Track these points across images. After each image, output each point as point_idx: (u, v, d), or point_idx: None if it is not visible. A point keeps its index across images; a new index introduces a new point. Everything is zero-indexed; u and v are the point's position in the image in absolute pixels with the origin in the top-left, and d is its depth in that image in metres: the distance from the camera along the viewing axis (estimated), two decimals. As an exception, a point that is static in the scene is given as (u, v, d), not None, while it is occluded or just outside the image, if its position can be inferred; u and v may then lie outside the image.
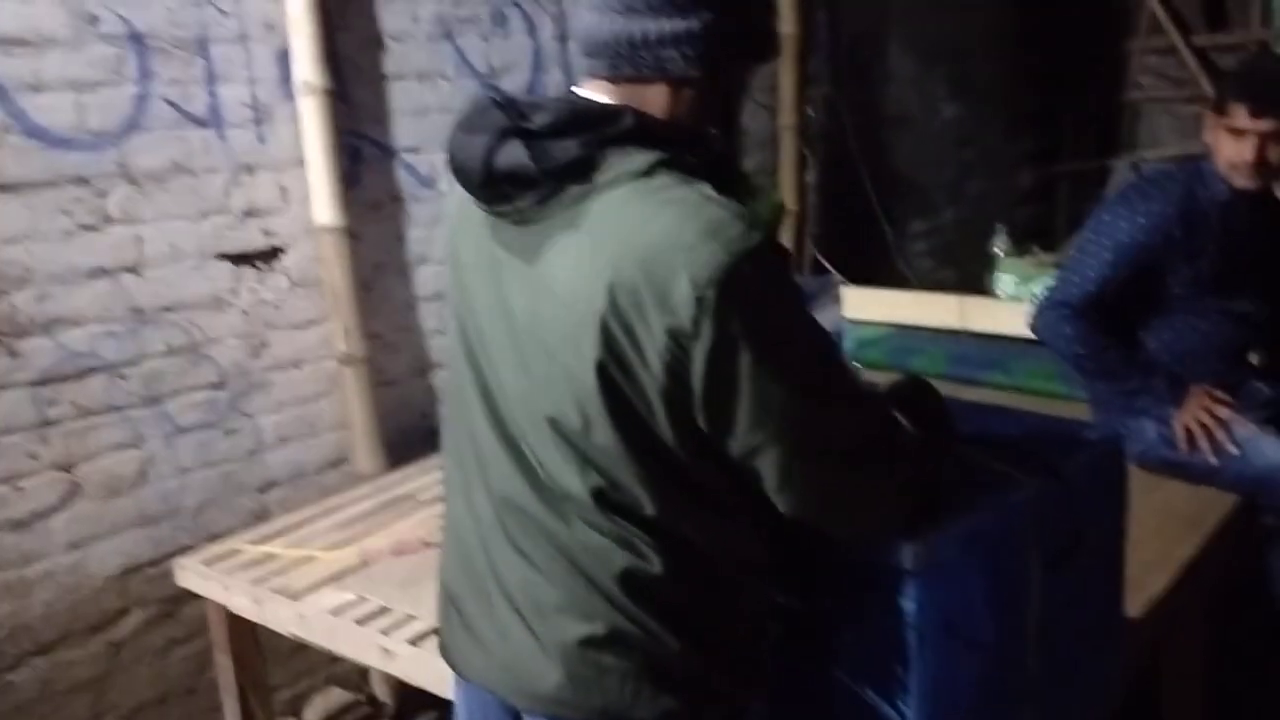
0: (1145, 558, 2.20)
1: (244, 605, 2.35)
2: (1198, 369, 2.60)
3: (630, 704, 1.25)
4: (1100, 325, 2.58)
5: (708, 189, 1.16)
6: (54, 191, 2.42)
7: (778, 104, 4.22)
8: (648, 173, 1.16)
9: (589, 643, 1.25)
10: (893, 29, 4.81)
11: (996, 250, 4.37)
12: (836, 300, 2.76)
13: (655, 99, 1.22)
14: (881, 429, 1.29)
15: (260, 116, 2.76)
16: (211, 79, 2.67)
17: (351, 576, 2.31)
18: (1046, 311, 2.64)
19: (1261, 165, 2.41)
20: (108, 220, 2.52)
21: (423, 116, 3.12)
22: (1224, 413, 2.51)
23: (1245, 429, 2.49)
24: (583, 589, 1.26)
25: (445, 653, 1.43)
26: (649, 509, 1.22)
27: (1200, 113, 5.43)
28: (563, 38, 3.50)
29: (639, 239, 1.13)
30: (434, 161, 3.16)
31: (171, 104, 2.60)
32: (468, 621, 1.38)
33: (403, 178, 3.09)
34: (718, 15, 1.18)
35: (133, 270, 2.57)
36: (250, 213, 2.76)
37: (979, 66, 5.37)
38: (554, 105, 1.21)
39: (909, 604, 1.34)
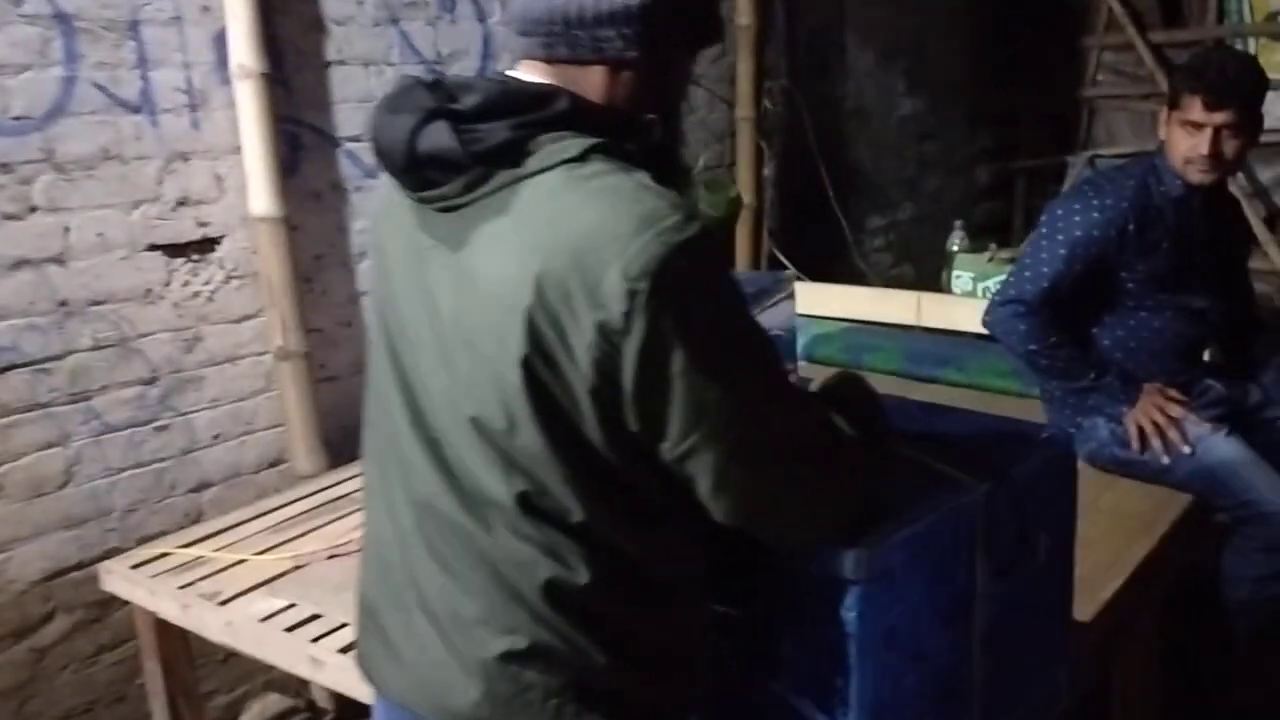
0: (1097, 559, 2.17)
1: (171, 611, 2.26)
2: (1152, 367, 2.57)
3: None
4: (1053, 322, 2.54)
5: (644, 177, 1.11)
6: (-27, 178, 2.31)
7: (735, 96, 4.16)
8: (581, 159, 1.11)
9: (509, 657, 1.18)
10: (850, 22, 4.77)
11: (953, 246, 4.34)
12: (790, 296, 2.69)
13: (592, 82, 1.17)
14: (819, 432, 1.23)
15: (195, 102, 2.66)
16: (143, 62, 2.56)
17: (284, 581, 2.24)
18: (999, 308, 2.60)
19: (1216, 159, 2.37)
20: (32, 209, 2.41)
21: (366, 104, 3.02)
22: (1176, 411, 2.48)
23: (1198, 427, 2.46)
24: (504, 600, 1.19)
25: (363, 667, 1.36)
26: (576, 515, 1.15)
27: (1156, 110, 5.51)
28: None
29: (569, 228, 1.07)
30: (378, 151, 3.06)
31: (100, 88, 2.49)
32: (385, 635, 1.31)
33: (345, 167, 3.00)
34: None
35: (58, 261, 2.46)
36: (184, 202, 2.66)
37: (938, 62, 5.35)
38: (484, 86, 1.14)
39: (849, 614, 1.28)
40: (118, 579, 2.38)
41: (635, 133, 1.17)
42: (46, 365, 2.46)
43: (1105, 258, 2.50)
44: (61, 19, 2.41)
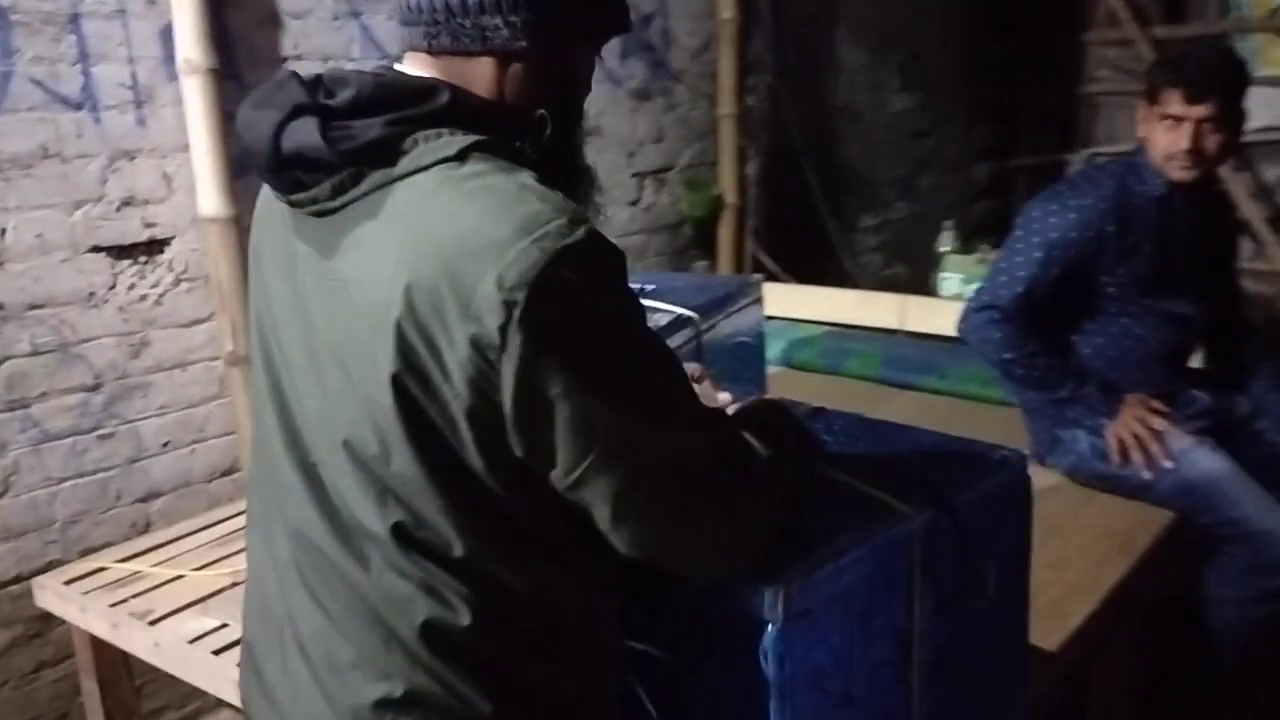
0: (1071, 580, 2.07)
1: (102, 630, 2.17)
2: (1134, 375, 2.46)
3: None
4: (1030, 329, 2.43)
5: (529, 178, 1.02)
6: (-101, 177, 2.22)
7: (716, 92, 4.05)
8: (459, 158, 1.02)
9: (384, 705, 1.07)
10: (840, 16, 4.65)
11: (942, 247, 4.22)
12: (757, 301, 2.58)
13: (480, 75, 1.09)
14: (730, 454, 1.12)
15: (141, 98, 2.57)
16: (84, 57, 2.47)
17: (220, 599, 2.15)
18: (974, 314, 2.49)
19: (1198, 155, 2.26)
20: (-36, 210, 2.32)
21: (326, 101, 2.93)
22: (1159, 424, 2.37)
23: (1180, 440, 2.35)
24: (379, 643, 1.08)
25: (244, 708, 1.26)
26: (458, 549, 1.05)
27: (1155, 107, 5.38)
28: (482, 20, 3.32)
29: (441, 232, 0.98)
30: (338, 149, 2.97)
31: (38, 83, 2.40)
32: (261, 674, 1.21)
33: (303, 166, 2.90)
34: None
35: (-7, 263, 2.37)
36: (129, 202, 2.56)
37: (932, 57, 5.23)
38: (359, 80, 1.05)
39: (767, 657, 1.18)
40: (50, 595, 2.29)
41: (524, 131, 1.09)
42: (-20, 371, 2.38)
43: (1084, 261, 2.39)
44: (-6, 12, 2.32)
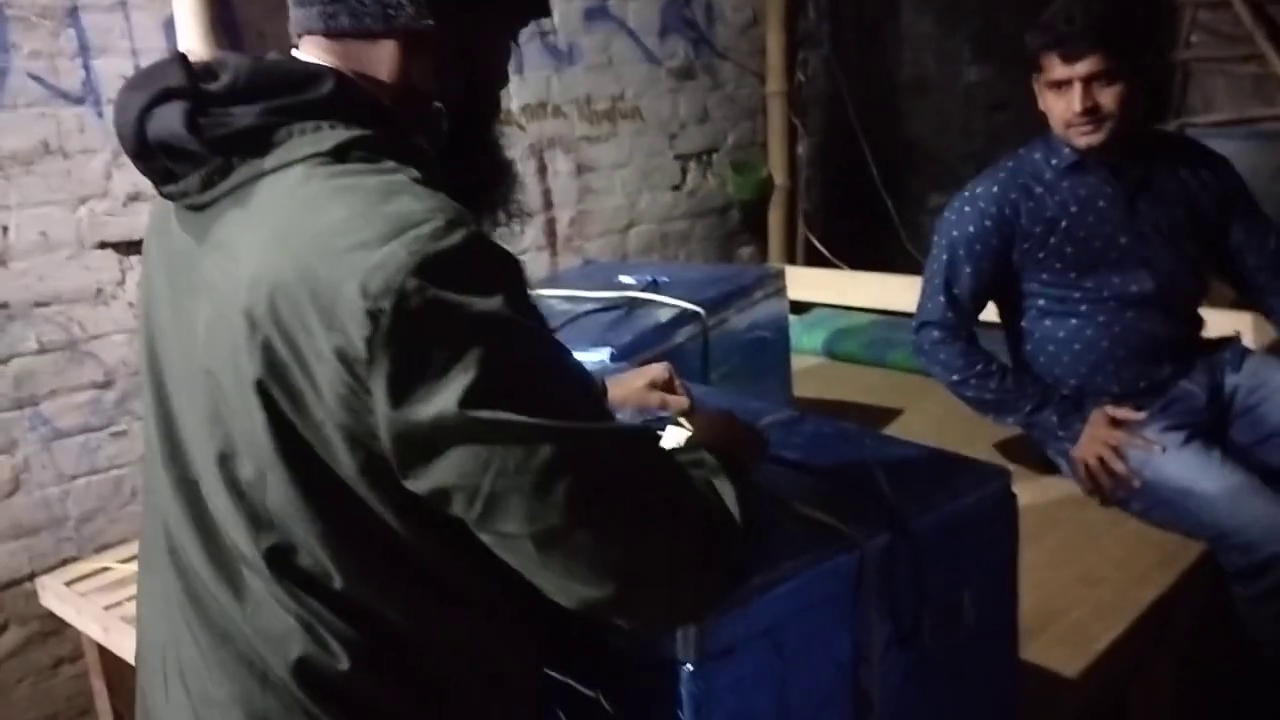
0: (1103, 598, 1.89)
1: (95, 632, 2.15)
2: (1099, 378, 2.22)
3: None
4: (975, 346, 2.27)
5: (408, 176, 0.92)
6: (-102, 177, 2.22)
7: (764, 69, 3.88)
8: (335, 152, 0.93)
9: None
10: (905, -15, 4.42)
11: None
12: (779, 292, 2.43)
13: (382, 60, 0.99)
14: (655, 476, 0.97)
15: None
16: (84, 50, 2.44)
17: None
18: (917, 336, 2.33)
19: (1094, 114, 2.03)
20: (-35, 208, 2.31)
21: (342, 89, 2.87)
22: (1119, 437, 2.13)
23: (1146, 449, 2.10)
24: (254, 682, 0.98)
25: None
26: (337, 582, 0.94)
27: (1257, 73, 4.99)
28: None
29: (305, 233, 0.88)
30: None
31: (37, 79, 2.38)
32: (147, 700, 1.12)
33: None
34: None
35: (-4, 262, 2.36)
36: (136, 197, 2.53)
37: (1009, 24, 4.95)
38: (238, 64, 0.96)
39: (683, 700, 1.05)
40: (51, 596, 2.28)
41: (423, 123, 1.01)
42: (-12, 370, 2.37)
43: (998, 253, 2.22)
44: (-10, 7, 2.30)
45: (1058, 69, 2.06)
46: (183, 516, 1.03)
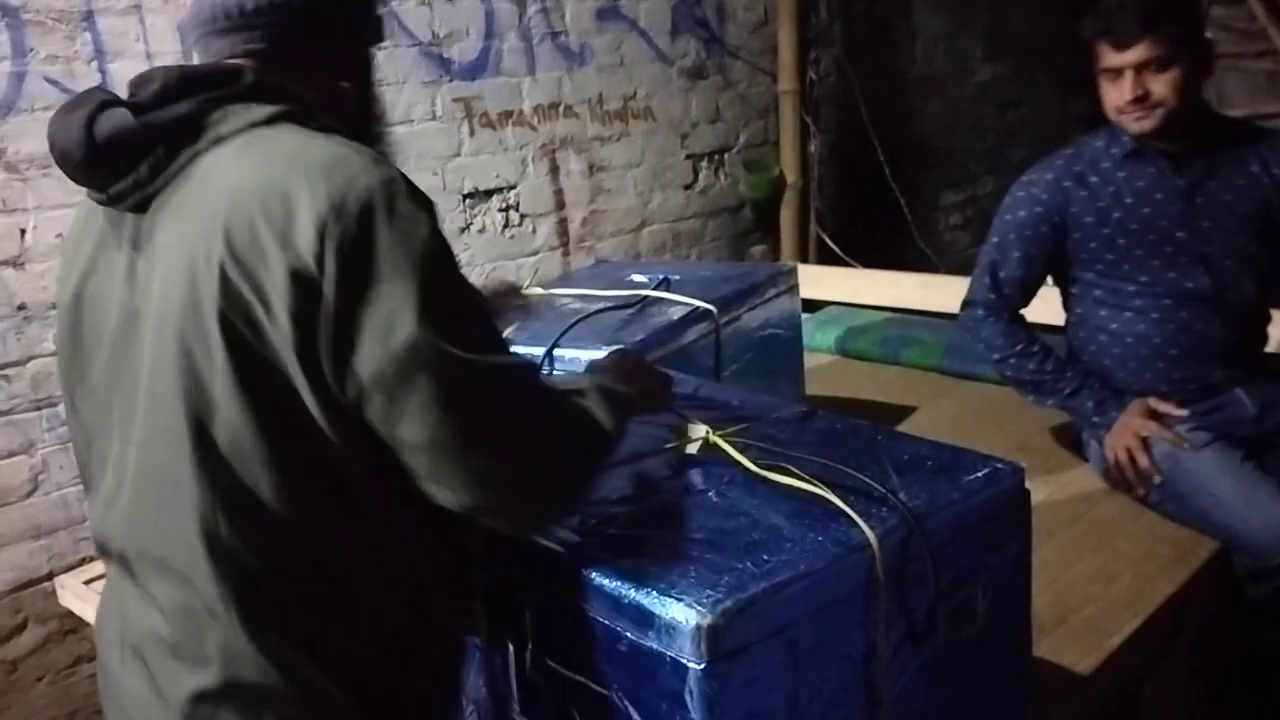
0: (1117, 595, 1.88)
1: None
2: (1146, 377, 2.18)
3: None
4: (1019, 326, 2.26)
5: (339, 137, 1.07)
6: (-83, 180, 2.24)
7: (776, 68, 3.88)
8: (269, 122, 1.07)
9: (202, 698, 1.04)
10: (917, -16, 4.42)
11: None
12: (792, 290, 2.43)
13: (285, 70, 1.13)
14: (538, 403, 1.09)
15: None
16: (100, 54, 2.46)
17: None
18: (961, 314, 2.32)
19: (1144, 102, 2.00)
20: (-16, 210, 2.34)
21: (355, 90, 2.88)
22: (1151, 428, 2.11)
23: (1174, 446, 2.08)
24: (195, 626, 1.04)
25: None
26: (280, 510, 1.02)
27: (1272, 69, 4.96)
28: None
29: (256, 178, 1.02)
30: (369, 139, 2.92)
31: (54, 82, 2.39)
32: (106, 670, 1.16)
33: (332, 157, 2.85)
34: None
35: (15, 264, 2.38)
36: (151, 199, 2.55)
37: (1022, 22, 4.94)
38: (164, 72, 1.08)
39: (697, 704, 1.05)
40: (70, 595, 2.30)
41: (329, 105, 1.14)
42: (6, 371, 2.39)
43: (1049, 239, 2.20)
44: (6, 11, 2.32)
45: (1109, 57, 2.02)
46: (131, 472, 1.09)
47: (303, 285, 0.97)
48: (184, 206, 1.05)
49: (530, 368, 1.16)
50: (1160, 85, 1.99)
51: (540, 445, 1.07)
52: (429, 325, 0.98)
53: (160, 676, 1.07)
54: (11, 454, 2.42)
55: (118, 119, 1.04)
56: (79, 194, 2.42)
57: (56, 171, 2.37)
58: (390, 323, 0.98)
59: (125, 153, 1.05)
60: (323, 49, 1.16)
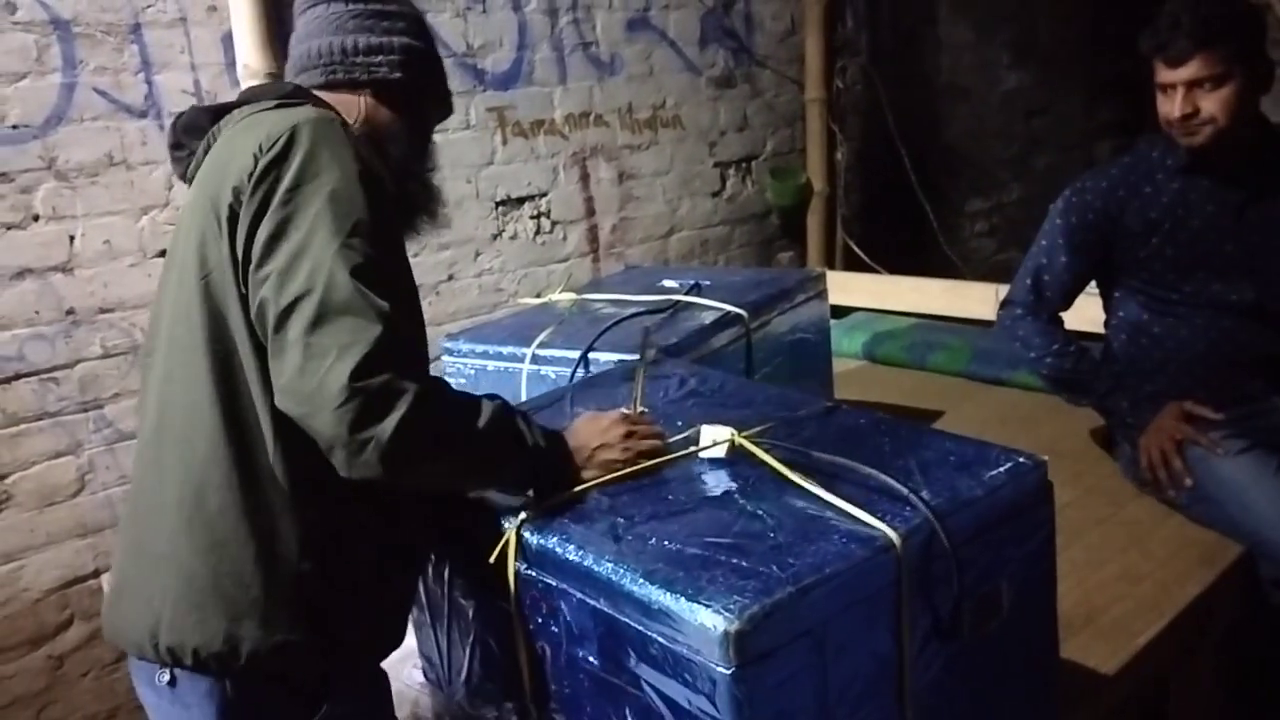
0: (1144, 595, 1.91)
1: (158, 625, 2.22)
2: (1185, 382, 2.20)
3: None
4: (1056, 326, 2.28)
5: (324, 110, 1.30)
6: (-29, 189, 2.32)
7: (804, 76, 3.91)
8: (278, 103, 1.31)
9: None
10: (943, -7, 4.44)
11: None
12: (820, 295, 2.47)
13: (341, 104, 1.39)
14: (371, 343, 1.14)
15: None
16: (146, 65, 2.53)
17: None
18: (1000, 314, 2.34)
19: (1195, 118, 2.00)
20: (34, 218, 2.41)
21: (391, 100, 2.94)
22: (1186, 431, 2.13)
23: (1207, 449, 2.09)
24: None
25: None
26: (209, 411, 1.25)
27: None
28: (553, 11, 3.28)
29: (240, 140, 1.26)
30: (405, 148, 2.98)
31: (102, 93, 2.47)
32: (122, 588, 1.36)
33: (369, 166, 2.91)
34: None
35: (63, 270, 2.45)
36: (195, 207, 2.62)
37: (1048, 30, 4.95)
38: (241, 90, 1.45)
39: (727, 707, 1.07)
40: (115, 591, 2.35)
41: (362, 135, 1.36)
42: (54, 374, 2.46)
43: (1098, 245, 2.21)
44: (58, 24, 2.39)
45: (1163, 72, 2.03)
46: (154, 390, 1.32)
47: (238, 201, 1.20)
48: (202, 171, 1.31)
49: (388, 316, 1.18)
50: (1211, 103, 1.98)
51: (354, 382, 1.12)
52: (331, 248, 1.15)
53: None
54: (59, 455, 2.49)
55: (191, 115, 1.37)
56: (125, 202, 2.51)
57: (105, 180, 2.47)
58: (301, 241, 1.16)
59: (190, 134, 1.36)
60: (352, 93, 1.40)
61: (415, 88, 1.42)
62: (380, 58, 1.38)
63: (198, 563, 1.23)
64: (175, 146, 1.38)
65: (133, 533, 1.32)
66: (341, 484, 1.18)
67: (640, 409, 1.57)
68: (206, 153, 1.32)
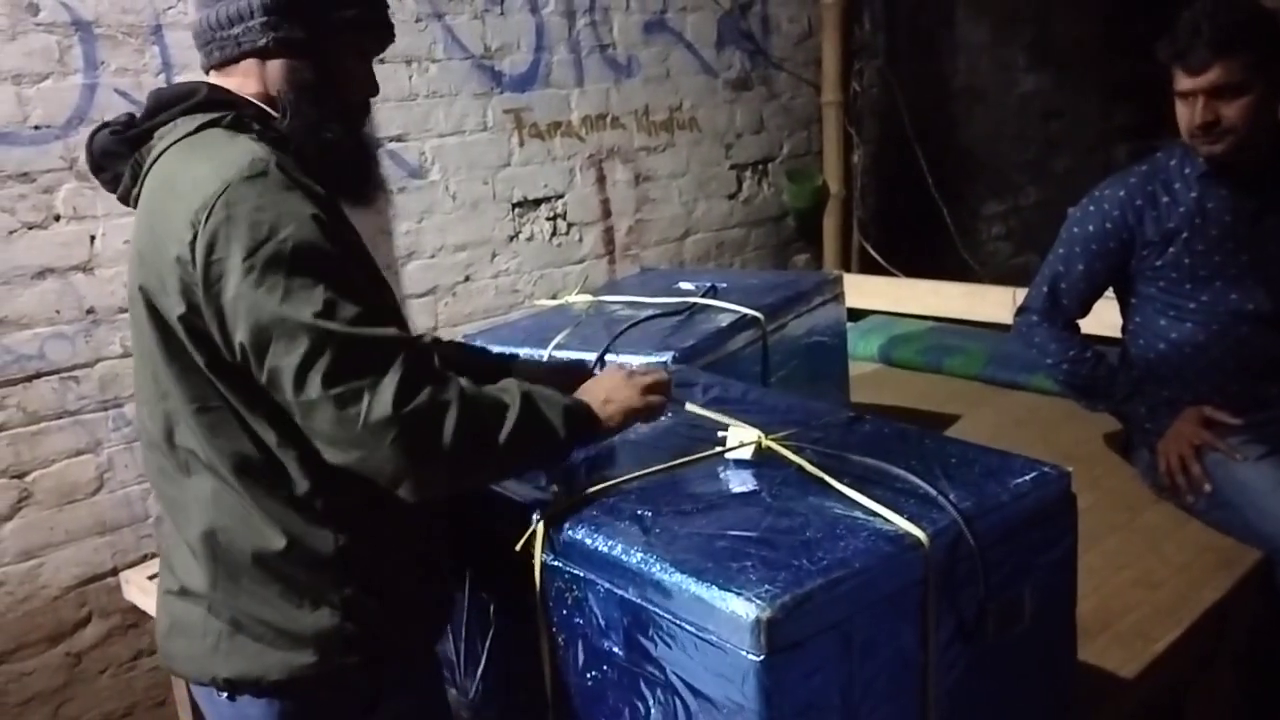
0: (1162, 601, 1.90)
1: (176, 624, 2.23)
2: (1202, 389, 2.19)
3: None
4: (1072, 333, 2.28)
5: (244, 140, 1.24)
6: (-6, 188, 2.33)
7: (820, 79, 3.91)
8: (197, 131, 1.26)
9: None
10: (961, -5, 4.44)
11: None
12: (836, 298, 2.47)
13: (247, 76, 1.31)
14: (394, 371, 1.17)
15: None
16: (167, 67, 2.55)
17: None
18: (1016, 320, 2.35)
19: (1214, 127, 1.98)
20: (55, 218, 2.42)
21: (410, 102, 2.96)
22: (1205, 436, 2.12)
23: (1226, 455, 2.09)
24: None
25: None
26: (201, 453, 1.26)
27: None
28: (570, 13, 3.29)
29: (168, 185, 1.23)
30: (422, 150, 3.00)
31: (123, 94, 2.48)
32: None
33: (387, 167, 2.91)
34: None
35: (84, 269, 2.47)
36: (214, 207, 2.63)
37: (1066, 33, 4.94)
38: (150, 95, 1.32)
39: (756, 695, 1.09)
40: (134, 589, 2.37)
41: (270, 113, 1.29)
42: (75, 373, 2.47)
43: (1115, 253, 2.21)
44: (80, 26, 2.41)
45: (1182, 80, 2.01)
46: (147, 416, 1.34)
47: (184, 270, 1.17)
48: (142, 203, 1.29)
49: (396, 342, 1.20)
50: (1232, 111, 1.97)
51: (398, 412, 1.15)
52: (287, 305, 1.14)
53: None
54: (79, 453, 2.51)
55: (104, 140, 1.32)
56: (146, 202, 2.50)
57: (125, 180, 2.46)
58: (251, 305, 1.15)
59: (114, 161, 1.32)
60: (295, 46, 1.29)
61: (302, 42, 1.28)
62: (239, 27, 1.27)
63: (250, 603, 1.27)
64: (97, 169, 1.34)
65: (169, 561, 1.36)
66: (369, 506, 1.25)
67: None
68: (136, 178, 1.29)
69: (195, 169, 1.20)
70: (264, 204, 1.16)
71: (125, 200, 1.33)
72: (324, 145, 1.28)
